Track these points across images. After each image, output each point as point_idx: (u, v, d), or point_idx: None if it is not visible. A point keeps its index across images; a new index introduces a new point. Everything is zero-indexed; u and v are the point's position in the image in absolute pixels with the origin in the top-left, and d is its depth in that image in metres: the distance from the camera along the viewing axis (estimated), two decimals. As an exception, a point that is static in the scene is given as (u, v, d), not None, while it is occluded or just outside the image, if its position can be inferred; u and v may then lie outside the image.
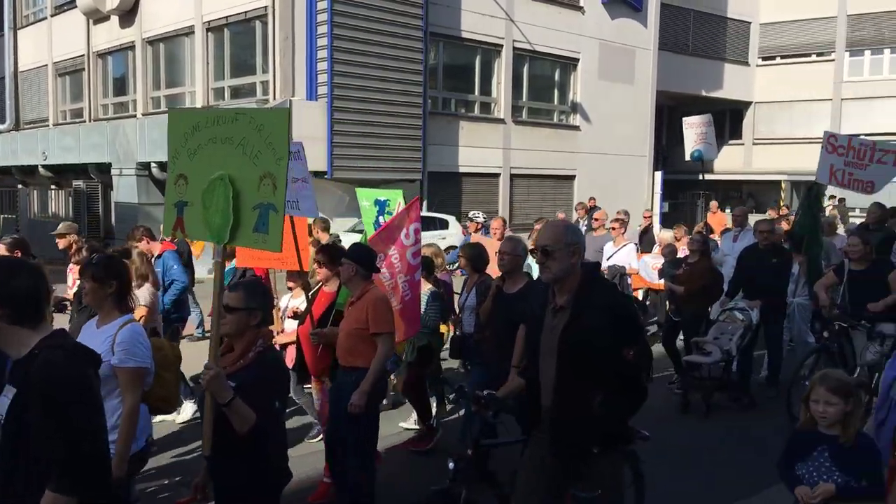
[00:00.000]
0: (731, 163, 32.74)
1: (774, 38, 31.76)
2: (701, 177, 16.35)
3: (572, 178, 23.24)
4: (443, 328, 6.68)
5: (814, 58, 31.30)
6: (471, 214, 13.95)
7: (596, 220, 11.17)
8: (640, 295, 10.90)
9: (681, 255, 9.00)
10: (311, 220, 7.36)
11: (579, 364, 3.17)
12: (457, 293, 6.66)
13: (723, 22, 30.97)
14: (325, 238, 8.49)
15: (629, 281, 9.98)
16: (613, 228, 10.22)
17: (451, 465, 4.00)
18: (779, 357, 8.01)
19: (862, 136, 8.72)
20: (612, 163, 23.46)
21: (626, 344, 3.13)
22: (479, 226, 11.56)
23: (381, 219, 6.61)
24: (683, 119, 13.85)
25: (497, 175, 21.56)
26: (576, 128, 23.33)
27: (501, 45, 21.15)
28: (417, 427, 6.52)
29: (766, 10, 31.54)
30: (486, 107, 21.63)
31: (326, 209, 17.59)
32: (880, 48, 30.11)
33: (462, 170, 20.58)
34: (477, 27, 20.31)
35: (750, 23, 31.76)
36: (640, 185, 24.90)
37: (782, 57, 31.86)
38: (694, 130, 13.19)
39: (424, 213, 18.24)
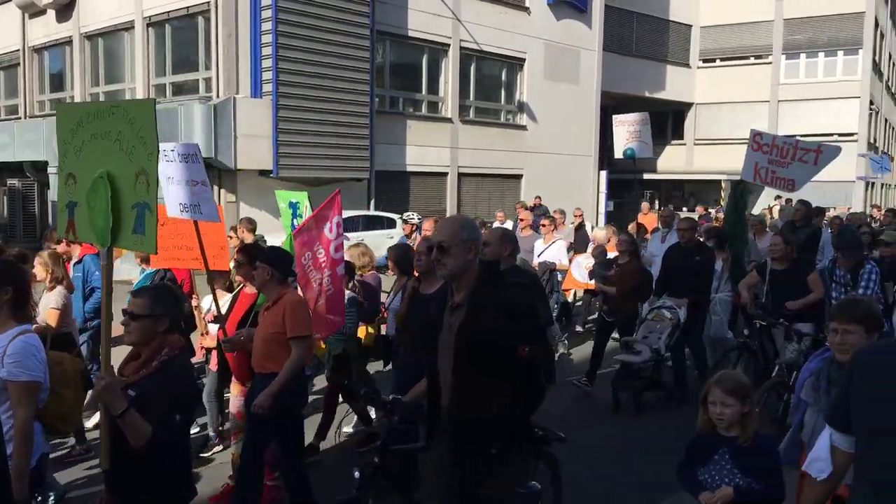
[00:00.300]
0: (673, 163, 33.52)
1: (714, 41, 32.61)
2: (634, 177, 16.65)
3: (519, 177, 23.46)
4: (363, 331, 6.46)
5: (752, 60, 32.24)
6: (405, 216, 13.90)
7: (521, 220, 11.18)
8: (570, 295, 10.95)
9: (612, 255, 9.04)
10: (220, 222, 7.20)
11: (476, 363, 3.09)
12: (386, 292, 6.54)
13: (665, 24, 31.66)
14: (249, 238, 8.32)
15: (559, 278, 10.01)
16: (543, 225, 10.28)
17: (356, 473, 3.87)
18: (703, 353, 8.03)
19: (798, 137, 8.98)
20: (558, 162, 23.74)
21: (521, 342, 3.06)
22: (414, 227, 11.53)
23: (294, 221, 6.44)
24: (614, 116, 13.81)
25: (445, 174, 21.63)
26: (522, 127, 23.55)
27: (448, 45, 21.22)
28: (353, 430, 6.40)
29: (706, 13, 32.36)
30: (434, 106, 21.67)
31: (271, 209, 17.40)
32: (815, 52, 31.19)
33: (410, 169, 20.59)
34: (424, 26, 20.34)
35: (691, 26, 32.54)
36: (585, 185, 25.27)
37: (722, 59, 32.74)
38: (626, 128, 13.16)
39: (371, 212, 18.22)
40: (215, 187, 17.35)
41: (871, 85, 30.77)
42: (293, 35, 16.82)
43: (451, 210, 21.61)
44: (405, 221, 12.27)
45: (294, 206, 6.56)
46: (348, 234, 15.54)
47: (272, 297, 4.66)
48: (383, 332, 6.52)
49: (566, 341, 9.75)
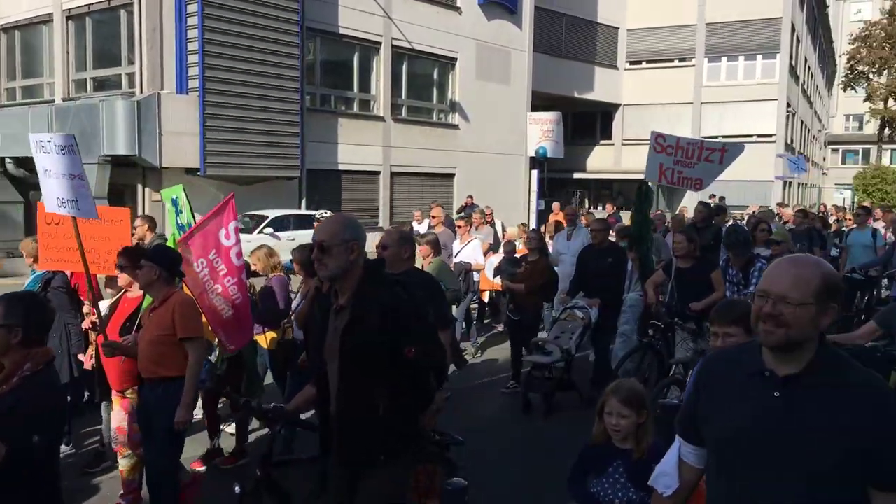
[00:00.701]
0: (602, 162, 34.21)
1: (640, 44, 33.40)
2: (564, 176, 16.86)
3: (452, 176, 23.54)
4: (268, 336, 6.22)
5: (676, 63, 33.15)
6: (317, 214, 13.55)
7: (433, 217, 10.92)
8: (486, 296, 10.82)
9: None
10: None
11: (361, 366, 3.01)
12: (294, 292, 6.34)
13: (593, 27, 32.26)
14: (150, 237, 7.82)
15: (475, 278, 9.91)
16: (459, 226, 10.15)
17: (236, 488, 3.66)
18: (607, 356, 7.90)
19: (720, 137, 9.25)
20: (490, 161, 23.93)
21: (407, 343, 2.96)
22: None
23: (178, 218, 6.04)
24: (528, 114, 13.70)
25: (377, 173, 21.54)
26: (455, 126, 23.65)
27: (380, 43, 21.14)
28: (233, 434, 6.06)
29: (632, 16, 33.10)
30: (366, 104, 21.56)
31: (199, 208, 17.01)
32: (735, 55, 32.28)
33: (342, 167, 20.42)
34: (355, 24, 20.22)
35: (618, 28, 33.24)
36: (517, 184, 25.52)
37: (648, 62, 33.56)
38: (539, 126, 13.07)
39: (303, 211, 18.00)
40: (139, 185, 16.89)
41: (787, 88, 32.04)
42: (220, 31, 16.49)
43: (385, 209, 21.56)
44: (317, 220, 11.86)
45: (175, 202, 6.16)
46: (279, 234, 15.43)
47: (159, 298, 4.42)
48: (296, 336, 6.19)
49: (477, 342, 9.68)
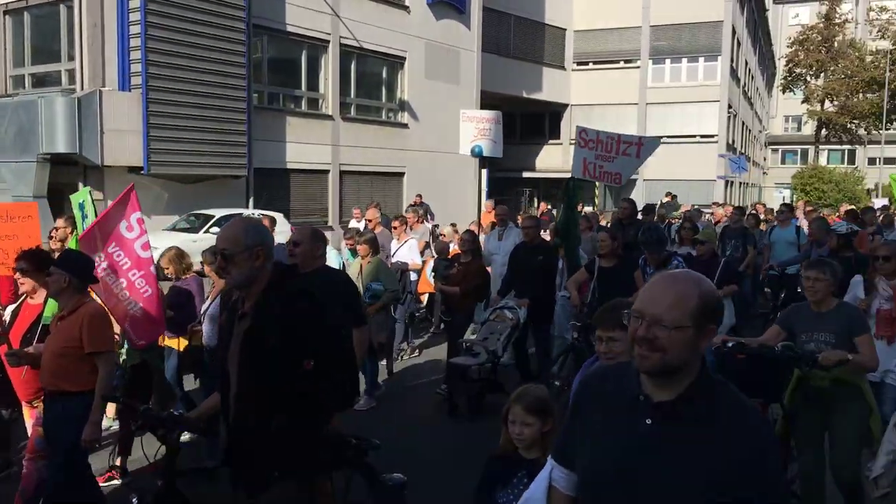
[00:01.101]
0: (551, 161, 34.61)
1: (587, 45, 33.92)
2: (514, 175, 16.77)
3: (402, 175, 23.56)
4: (182, 340, 6.05)
5: (622, 64, 33.75)
6: (247, 214, 13.30)
7: (369, 221, 10.79)
8: (424, 298, 10.77)
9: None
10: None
11: (258, 376, 2.87)
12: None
13: (541, 27, 32.62)
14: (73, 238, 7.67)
15: (412, 278, 9.84)
16: (395, 227, 10.12)
17: (133, 500, 3.43)
18: (526, 357, 7.75)
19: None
20: (439, 160, 24.01)
21: (306, 355, 2.82)
22: None
23: (85, 223, 5.89)
24: (461, 112, 13.42)
25: (326, 172, 21.43)
26: (404, 125, 23.67)
27: (328, 42, 21.04)
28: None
29: (579, 17, 33.58)
30: (314, 103, 21.44)
31: (143, 207, 16.70)
32: (678, 57, 33.03)
33: (290, 166, 20.26)
34: (302, 22, 20.08)
35: (565, 29, 33.69)
36: (467, 183, 25.65)
37: (595, 63, 34.08)
38: (474, 125, 12.80)
39: (251, 210, 17.81)
40: (80, 185, 16.50)
41: (729, 90, 32.90)
42: (164, 27, 16.20)
43: (334, 207, 21.47)
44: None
45: (81, 207, 5.98)
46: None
47: (68, 307, 4.15)
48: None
49: (414, 342, 9.67)
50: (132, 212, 5.19)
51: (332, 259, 7.86)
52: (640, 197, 32.68)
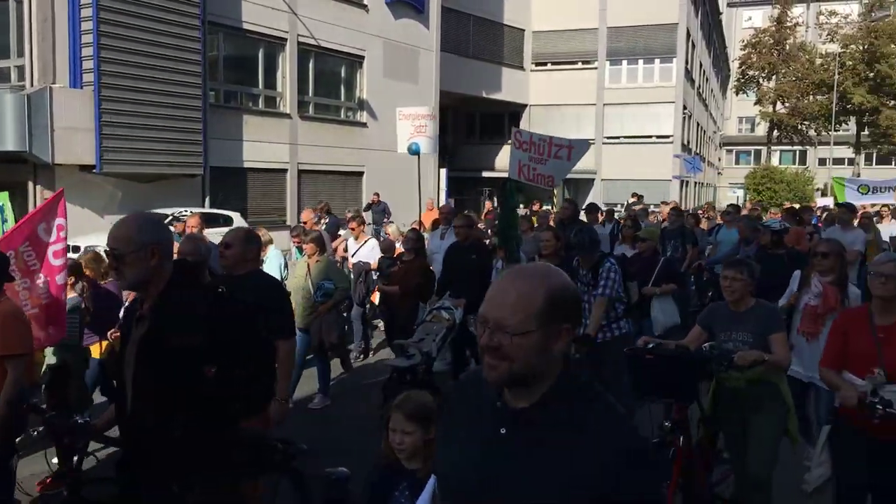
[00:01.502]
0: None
1: (546, 46, 34.23)
2: (473, 174, 16.75)
3: (361, 174, 23.52)
4: (103, 345, 5.91)
5: (580, 65, 34.13)
6: (176, 213, 12.80)
7: (304, 223, 10.41)
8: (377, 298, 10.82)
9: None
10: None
11: (156, 382, 2.66)
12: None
13: (500, 28, 32.83)
14: None
15: (374, 277, 9.71)
16: (353, 228, 10.03)
17: None
18: (463, 357, 7.61)
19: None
20: (398, 160, 23.91)
21: (208, 361, 2.61)
22: (185, 227, 10.53)
23: (4, 227, 5.74)
24: (397, 109, 13.22)
25: (284, 171, 21.29)
26: (363, 125, 23.62)
27: (286, 40, 20.90)
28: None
29: (537, 18, 33.88)
30: (272, 101, 21.27)
31: (96, 207, 16.41)
32: (635, 59, 33.52)
33: (247, 165, 20.08)
34: (259, 19, 19.92)
35: (524, 30, 33.95)
36: (426, 182, 25.70)
37: (553, 63, 34.40)
38: (410, 122, 12.58)
39: (207, 209, 17.62)
40: (30, 183, 16.16)
41: (683, 91, 33.50)
42: (116, 23, 15.93)
43: (292, 207, 21.34)
44: (176, 220, 10.87)
45: (0, 210, 5.82)
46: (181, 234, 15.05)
47: None
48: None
49: (366, 344, 9.57)
50: (55, 217, 5.07)
51: (274, 259, 7.78)
52: (598, 196, 33.14)
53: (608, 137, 33.49)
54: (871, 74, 42.36)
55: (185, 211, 11.10)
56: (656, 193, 28.71)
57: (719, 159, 57.51)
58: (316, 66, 22.19)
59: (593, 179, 33.79)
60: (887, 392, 3.52)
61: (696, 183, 39.28)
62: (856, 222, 11.98)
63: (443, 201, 26.30)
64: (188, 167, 17.77)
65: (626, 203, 23.34)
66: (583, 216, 11.72)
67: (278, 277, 7.44)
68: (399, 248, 9.31)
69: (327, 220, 12.12)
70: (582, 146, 8.26)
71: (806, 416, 5.39)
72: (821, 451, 4.03)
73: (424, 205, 15.40)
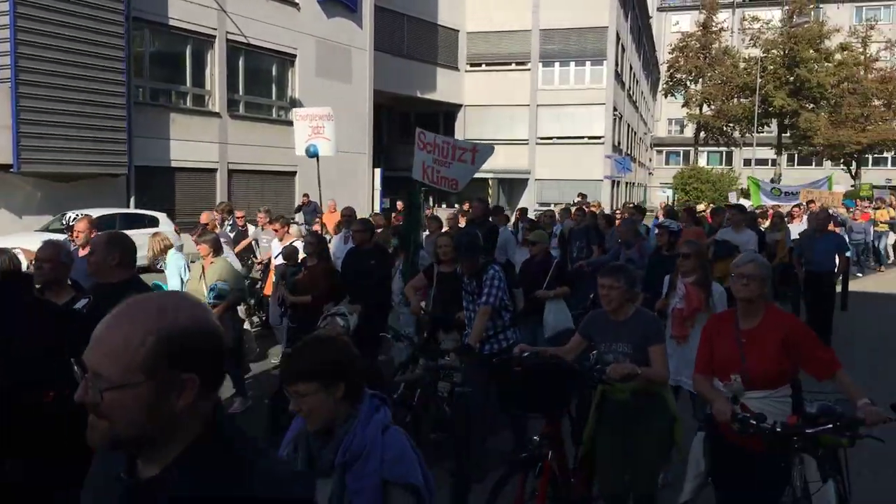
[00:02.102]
0: (445, 161, 35.00)
1: (480, 47, 34.50)
2: (408, 174, 16.65)
3: (293, 174, 23.24)
4: None
5: (514, 66, 34.51)
6: (67, 216, 12.14)
7: (205, 224, 9.98)
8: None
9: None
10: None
11: None
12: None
13: (434, 28, 32.93)
14: None
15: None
16: (276, 230, 9.86)
17: None
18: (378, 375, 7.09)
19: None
20: (332, 160, 23.69)
21: (45, 385, 2.34)
22: (75, 233, 9.94)
23: None
24: (293, 110, 12.73)
25: (214, 170, 20.89)
26: (295, 124, 23.35)
27: (214, 37, 20.51)
28: None
29: (471, 20, 34.13)
30: (200, 99, 20.85)
31: (14, 208, 15.81)
32: (567, 61, 34.08)
33: (175, 164, 19.62)
34: (186, 16, 19.50)
35: (458, 31, 34.13)
36: (360, 182, 25.63)
37: (487, 64, 34.70)
38: (307, 123, 11.96)
39: (132, 210, 17.16)
40: (-59, 183, 15.47)
41: (614, 93, 34.22)
42: (35, 18, 15.36)
43: (222, 207, 20.94)
44: (68, 228, 9.80)
45: None
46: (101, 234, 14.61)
47: None
48: None
49: (283, 348, 9.40)
50: None
51: (173, 262, 7.59)
52: (531, 196, 33.62)
53: (542, 138, 33.98)
54: (792, 78, 44.02)
55: (76, 214, 10.46)
56: (588, 194, 29.20)
57: (650, 160, 58.94)
58: (246, 64, 21.85)
59: (527, 179, 34.23)
60: (749, 400, 3.41)
61: (627, 183, 40.16)
62: (768, 222, 12.42)
63: (377, 201, 26.23)
64: (111, 167, 17.27)
65: (572, 202, 23.46)
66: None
67: (179, 281, 7.32)
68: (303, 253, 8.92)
69: (230, 222, 11.79)
70: (485, 151, 8.20)
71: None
72: (696, 462, 3.82)
73: (326, 206, 14.89)
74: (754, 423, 3.19)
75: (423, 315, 6.36)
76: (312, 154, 11.90)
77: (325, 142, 11.87)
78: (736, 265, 3.59)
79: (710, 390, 3.57)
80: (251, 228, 12.15)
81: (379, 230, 9.77)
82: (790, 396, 3.51)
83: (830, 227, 10.98)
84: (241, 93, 21.81)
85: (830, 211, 14.36)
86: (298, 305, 7.27)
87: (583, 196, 22.02)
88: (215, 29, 20.45)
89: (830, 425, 3.20)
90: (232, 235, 10.98)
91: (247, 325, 9.23)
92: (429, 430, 5.41)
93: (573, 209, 12.75)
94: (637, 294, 4.71)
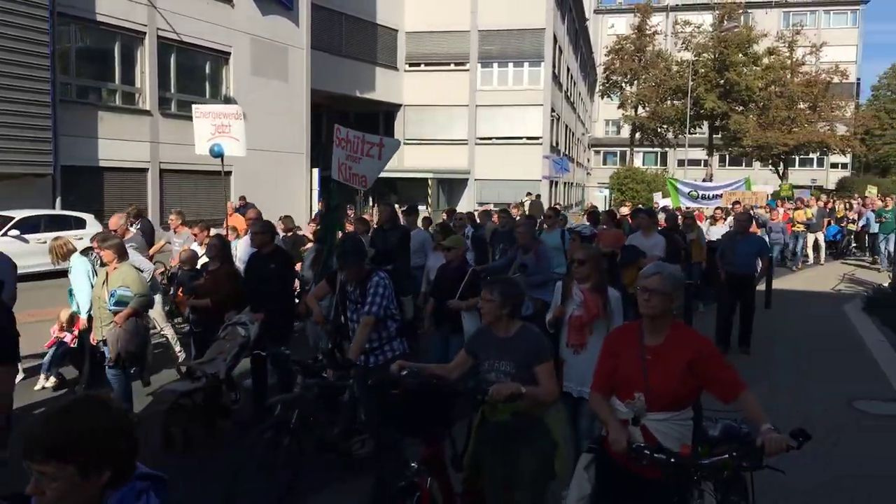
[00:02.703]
0: (385, 161, 34.86)
1: (419, 47, 34.49)
2: None
3: (228, 174, 22.79)
4: None
5: (453, 67, 34.61)
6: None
7: (114, 230, 9.27)
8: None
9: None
10: None
11: None
12: None
13: (373, 27, 32.78)
14: None
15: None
16: (195, 234, 9.60)
17: None
18: (264, 373, 6.93)
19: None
20: (268, 160, 23.50)
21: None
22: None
23: None
24: (194, 107, 11.94)
25: (145, 170, 20.37)
26: (230, 123, 22.91)
27: (144, 33, 19.99)
28: None
29: (410, 19, 34.09)
30: (130, 97, 20.30)
31: (-71, 208, 15.12)
32: (505, 62, 34.35)
33: (103, 164, 19.05)
34: (115, 12, 18.95)
35: (397, 30, 34.06)
36: (298, 182, 25.34)
37: (427, 64, 34.71)
38: (209, 121, 11.43)
39: (58, 211, 16.61)
40: None
41: (552, 94, 34.64)
42: (-50, 10, 14.75)
43: (154, 208, 20.44)
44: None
45: None
46: (27, 237, 14.10)
47: None
48: None
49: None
50: None
51: (79, 266, 7.35)
52: (471, 196, 33.79)
53: (481, 138, 34.17)
54: (722, 81, 45.25)
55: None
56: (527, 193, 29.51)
57: (588, 160, 59.85)
58: (178, 61, 21.36)
59: (467, 179, 34.39)
60: (650, 422, 3.18)
61: (565, 183, 40.70)
62: (679, 223, 12.49)
63: (315, 202, 25.95)
64: (36, 166, 16.68)
65: (521, 201, 23.50)
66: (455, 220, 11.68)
67: (87, 286, 7.10)
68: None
69: (139, 225, 11.39)
70: (392, 144, 8.08)
71: (577, 432, 4.88)
72: (579, 484, 3.45)
73: (229, 208, 14.30)
74: (648, 453, 2.99)
75: (325, 324, 6.11)
76: (217, 154, 11.26)
77: (233, 142, 11.17)
78: (640, 277, 3.33)
79: (606, 413, 3.30)
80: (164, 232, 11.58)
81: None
82: (692, 419, 3.29)
83: (753, 228, 11.21)
84: (172, 91, 21.31)
85: (752, 212, 14.79)
86: (201, 310, 7.00)
87: (536, 196, 21.97)
88: (145, 25, 19.93)
89: (727, 455, 2.98)
90: (143, 240, 10.50)
91: (169, 332, 9.02)
92: (311, 452, 5.16)
93: (495, 213, 12.70)
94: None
